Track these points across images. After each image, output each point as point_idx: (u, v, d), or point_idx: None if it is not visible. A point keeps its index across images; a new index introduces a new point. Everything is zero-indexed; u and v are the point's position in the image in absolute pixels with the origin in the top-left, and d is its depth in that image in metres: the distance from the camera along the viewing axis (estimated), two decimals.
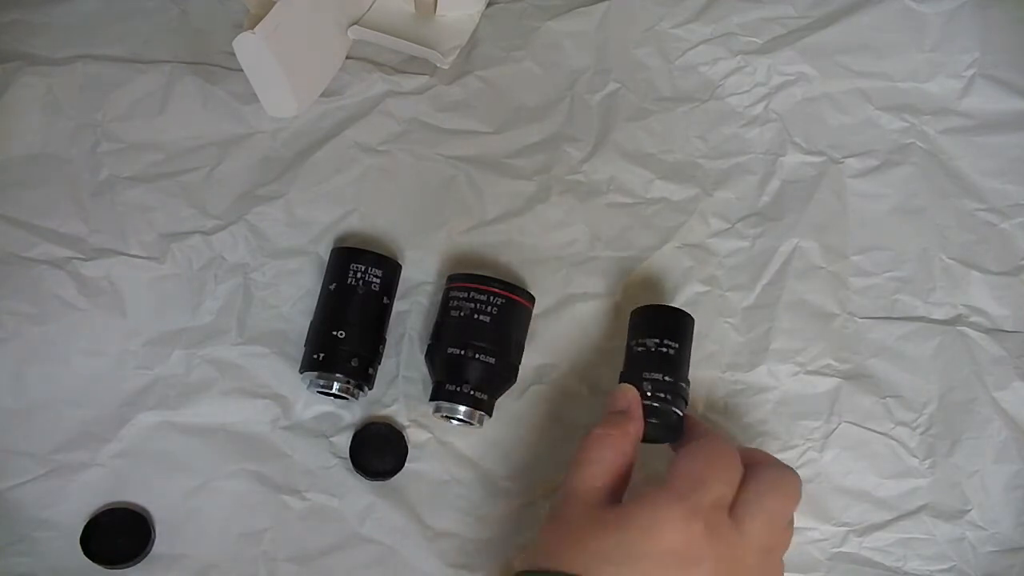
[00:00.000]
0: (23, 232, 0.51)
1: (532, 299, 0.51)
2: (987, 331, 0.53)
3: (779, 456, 0.50)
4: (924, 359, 0.53)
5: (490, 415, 0.49)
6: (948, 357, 0.53)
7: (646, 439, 0.46)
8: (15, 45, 0.55)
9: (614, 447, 0.43)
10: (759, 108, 0.57)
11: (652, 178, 0.55)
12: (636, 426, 0.45)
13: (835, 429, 0.52)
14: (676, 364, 0.47)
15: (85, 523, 0.47)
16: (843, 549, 0.50)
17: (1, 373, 0.49)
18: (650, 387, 0.46)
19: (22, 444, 0.48)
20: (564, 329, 0.53)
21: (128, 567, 0.47)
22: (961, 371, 0.53)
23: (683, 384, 0.47)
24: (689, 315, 0.49)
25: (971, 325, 0.53)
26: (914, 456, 0.51)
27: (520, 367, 0.50)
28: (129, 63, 0.55)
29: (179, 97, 0.54)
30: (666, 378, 0.46)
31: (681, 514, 0.39)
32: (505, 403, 0.51)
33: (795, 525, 0.50)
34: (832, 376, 0.52)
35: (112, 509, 0.48)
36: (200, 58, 0.55)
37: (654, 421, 0.46)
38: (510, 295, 0.49)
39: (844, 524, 0.50)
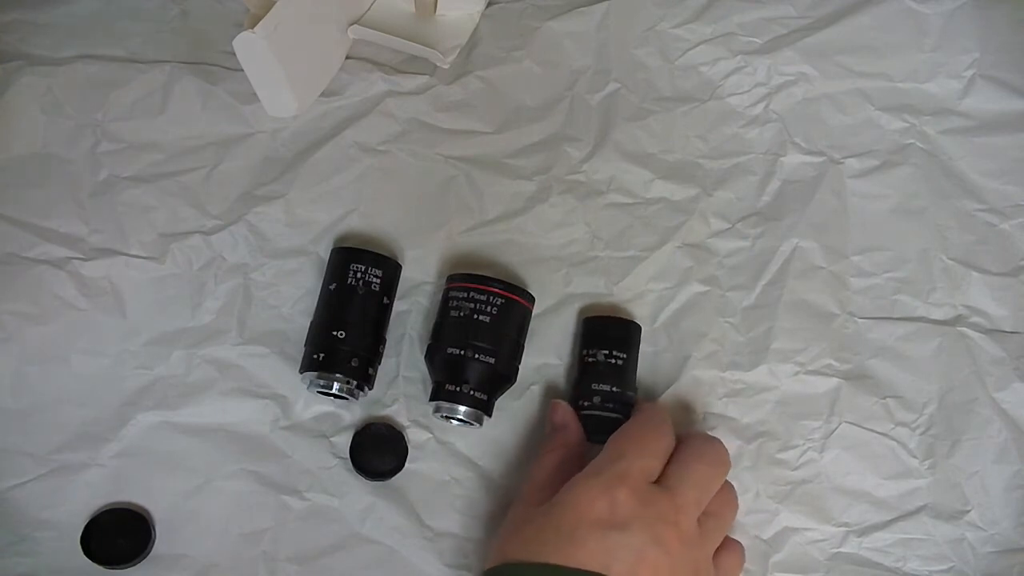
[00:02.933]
0: (23, 232, 0.51)
1: (532, 299, 0.51)
2: (987, 332, 0.53)
3: (779, 456, 0.51)
4: (924, 359, 0.53)
5: (490, 415, 0.49)
6: (948, 358, 0.53)
7: (597, 442, 0.48)
8: (15, 45, 0.55)
9: (554, 461, 0.47)
10: (759, 108, 0.57)
11: (652, 178, 0.55)
12: (573, 435, 0.49)
13: (835, 429, 0.52)
14: (623, 374, 0.50)
15: (85, 523, 0.47)
16: (843, 549, 0.50)
17: (1, 373, 0.49)
18: (599, 399, 0.49)
19: (22, 444, 0.48)
20: (564, 329, 0.53)
21: (128, 567, 0.47)
22: (961, 372, 0.53)
23: (630, 392, 0.50)
24: (637, 324, 0.52)
25: (971, 326, 0.53)
26: (914, 456, 0.51)
27: (520, 367, 0.50)
28: (129, 63, 0.55)
29: (179, 97, 0.54)
30: (614, 389, 0.49)
31: (602, 485, 0.43)
32: (505, 403, 0.51)
33: (795, 525, 0.50)
34: (832, 376, 0.52)
35: (112, 509, 0.48)
36: (200, 58, 0.55)
37: (604, 430, 0.48)
38: (510, 295, 0.49)
39: (844, 524, 0.50)
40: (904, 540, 0.50)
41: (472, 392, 0.48)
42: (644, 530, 0.41)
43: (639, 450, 0.44)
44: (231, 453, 0.49)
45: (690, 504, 0.43)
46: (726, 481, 0.46)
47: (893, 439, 0.52)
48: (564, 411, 0.49)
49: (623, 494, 0.42)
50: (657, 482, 0.44)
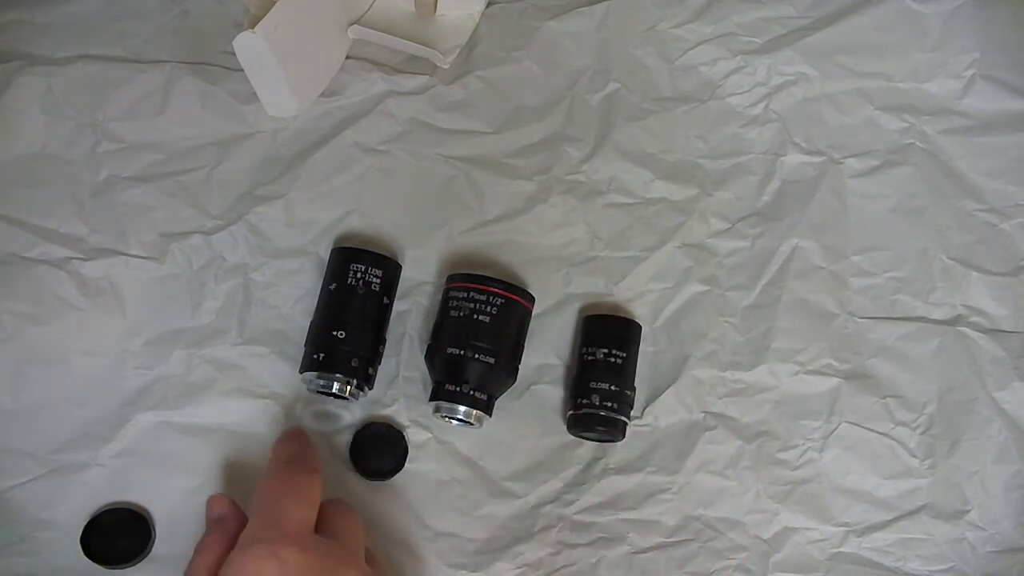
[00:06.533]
0: (23, 232, 0.51)
1: (532, 299, 0.51)
2: (987, 331, 0.53)
3: (779, 456, 0.51)
4: (924, 359, 0.53)
5: (490, 415, 0.49)
6: (948, 357, 0.53)
7: (595, 439, 0.51)
8: (15, 45, 0.55)
9: (211, 559, 0.42)
10: (759, 108, 0.57)
11: (652, 178, 0.55)
12: (232, 523, 0.44)
13: (835, 429, 0.52)
14: (623, 373, 0.50)
15: (85, 523, 0.47)
16: (843, 549, 0.50)
17: (1, 373, 0.49)
18: (598, 397, 0.49)
19: (22, 444, 0.48)
20: (564, 329, 0.53)
21: (128, 567, 0.47)
22: (961, 371, 0.53)
23: (628, 392, 0.50)
24: (637, 324, 0.52)
25: (971, 325, 0.53)
26: (914, 456, 0.51)
27: (520, 367, 0.50)
28: (129, 63, 0.55)
29: (179, 97, 0.54)
30: (612, 387, 0.49)
31: (264, 551, 0.39)
32: (505, 403, 0.51)
33: (795, 525, 0.50)
34: (832, 376, 0.52)
35: (112, 509, 0.48)
36: (200, 58, 0.55)
37: (602, 428, 0.49)
38: (510, 295, 0.49)
39: (844, 524, 0.50)
40: (904, 540, 0.50)
41: (472, 392, 0.48)
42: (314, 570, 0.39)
43: (292, 501, 0.41)
44: (231, 453, 0.49)
45: (359, 546, 0.42)
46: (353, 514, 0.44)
47: (893, 439, 0.52)
48: (219, 503, 0.45)
49: (290, 553, 0.39)
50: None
